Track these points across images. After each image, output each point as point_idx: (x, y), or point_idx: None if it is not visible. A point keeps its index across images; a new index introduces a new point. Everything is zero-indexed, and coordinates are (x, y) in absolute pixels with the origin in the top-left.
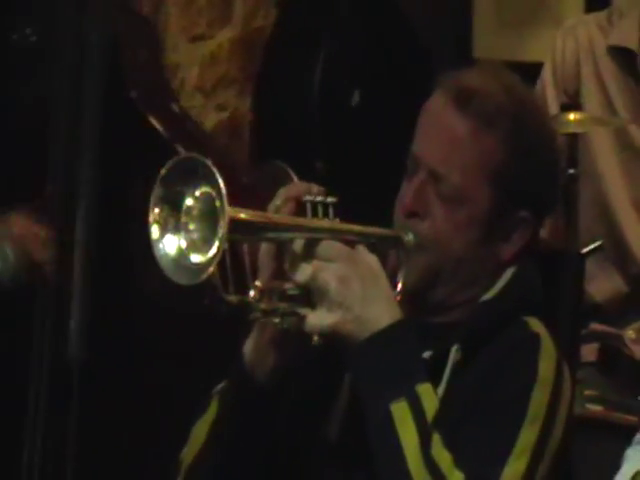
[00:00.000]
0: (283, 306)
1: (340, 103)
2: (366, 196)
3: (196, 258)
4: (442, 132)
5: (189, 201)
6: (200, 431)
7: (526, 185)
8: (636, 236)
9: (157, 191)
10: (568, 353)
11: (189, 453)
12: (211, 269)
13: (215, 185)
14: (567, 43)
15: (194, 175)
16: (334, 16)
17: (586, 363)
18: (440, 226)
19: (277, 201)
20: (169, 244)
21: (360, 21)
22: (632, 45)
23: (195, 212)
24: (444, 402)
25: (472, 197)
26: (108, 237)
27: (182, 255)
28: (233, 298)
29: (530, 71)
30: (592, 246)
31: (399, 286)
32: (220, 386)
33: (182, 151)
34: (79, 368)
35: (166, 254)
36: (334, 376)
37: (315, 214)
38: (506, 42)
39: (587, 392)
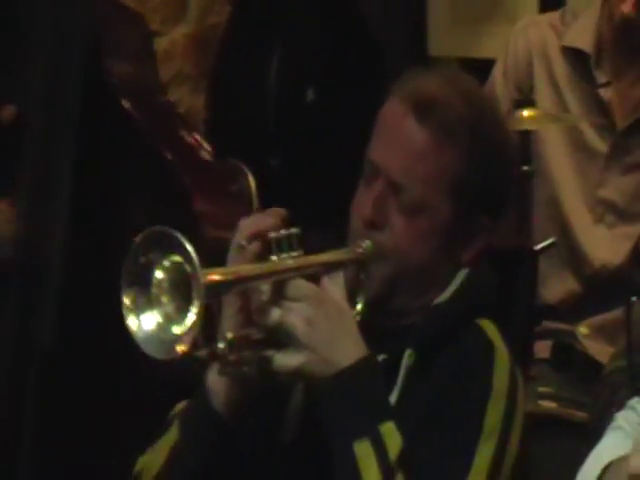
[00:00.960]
0: (251, 353)
1: (295, 100)
2: (321, 193)
3: (177, 329)
4: (402, 143)
5: (159, 274)
6: (160, 453)
7: (485, 192)
8: (589, 236)
9: (125, 273)
10: (522, 350)
11: (148, 471)
12: (193, 337)
13: (185, 252)
14: (519, 43)
15: (160, 246)
16: (289, 13)
17: (540, 360)
18: (400, 236)
19: (241, 239)
20: (146, 323)
21: (315, 18)
22: (585, 47)
23: (166, 284)
24: (398, 407)
25: (432, 207)
26: (82, 220)
27: (162, 330)
28: (202, 352)
29: (485, 68)
30: (545, 243)
31: (359, 306)
32: (181, 406)
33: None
34: (45, 352)
35: (145, 335)
36: (287, 381)
37: (280, 249)
38: (461, 39)
39: (541, 389)
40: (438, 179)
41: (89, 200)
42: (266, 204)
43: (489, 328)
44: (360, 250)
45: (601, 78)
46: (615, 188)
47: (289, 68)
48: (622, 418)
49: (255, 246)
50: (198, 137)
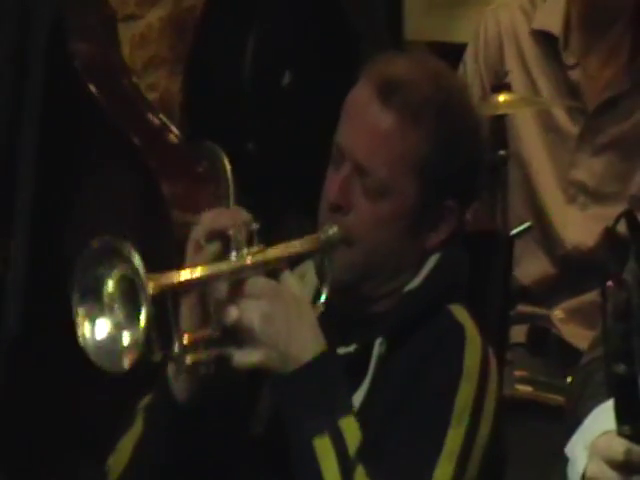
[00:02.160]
0: (208, 353)
1: (271, 84)
2: (297, 176)
3: (127, 339)
4: (367, 125)
5: (110, 285)
6: (126, 446)
7: (452, 175)
8: (561, 217)
9: (76, 288)
10: (497, 334)
11: (115, 467)
12: (141, 344)
13: (129, 263)
14: (489, 27)
15: (108, 259)
16: None
17: (515, 344)
18: (365, 220)
19: (200, 237)
20: (98, 333)
21: (291, 1)
22: (555, 29)
23: (117, 293)
24: (369, 396)
25: (398, 191)
26: (46, 205)
27: (113, 339)
28: (157, 356)
29: (461, 52)
30: (521, 227)
31: (323, 296)
32: (145, 400)
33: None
34: (13, 342)
35: (97, 346)
36: (256, 375)
37: (239, 248)
38: (437, 23)
39: (517, 373)
40: (403, 162)
41: (54, 185)
42: (242, 187)
43: (459, 312)
44: (324, 237)
45: (570, 60)
46: (586, 169)
47: (265, 51)
48: (589, 423)
49: (213, 246)
50: (164, 119)
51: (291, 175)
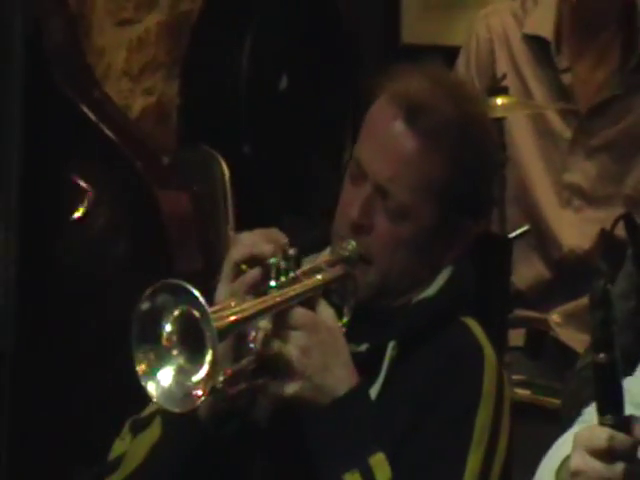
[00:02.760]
0: (246, 384)
1: (268, 87)
2: (293, 179)
3: (193, 379)
4: (391, 148)
5: (168, 327)
6: (141, 447)
7: (470, 196)
8: (557, 220)
9: (135, 332)
10: (495, 338)
11: (126, 466)
12: (211, 384)
13: (193, 300)
14: (480, 33)
15: (166, 299)
16: (261, 0)
17: (513, 348)
18: (385, 240)
19: (239, 256)
20: (163, 380)
21: (287, 5)
22: (546, 33)
23: (175, 336)
24: (381, 398)
25: (418, 213)
26: (36, 220)
27: (178, 384)
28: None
29: (457, 55)
30: (520, 231)
31: (345, 319)
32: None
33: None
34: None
35: (164, 392)
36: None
37: (278, 275)
38: (433, 26)
39: (515, 377)
40: (425, 186)
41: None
42: (238, 190)
43: (476, 328)
44: (345, 253)
45: (562, 64)
46: (580, 172)
47: (262, 55)
48: (589, 412)
49: (255, 273)
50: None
51: (287, 178)
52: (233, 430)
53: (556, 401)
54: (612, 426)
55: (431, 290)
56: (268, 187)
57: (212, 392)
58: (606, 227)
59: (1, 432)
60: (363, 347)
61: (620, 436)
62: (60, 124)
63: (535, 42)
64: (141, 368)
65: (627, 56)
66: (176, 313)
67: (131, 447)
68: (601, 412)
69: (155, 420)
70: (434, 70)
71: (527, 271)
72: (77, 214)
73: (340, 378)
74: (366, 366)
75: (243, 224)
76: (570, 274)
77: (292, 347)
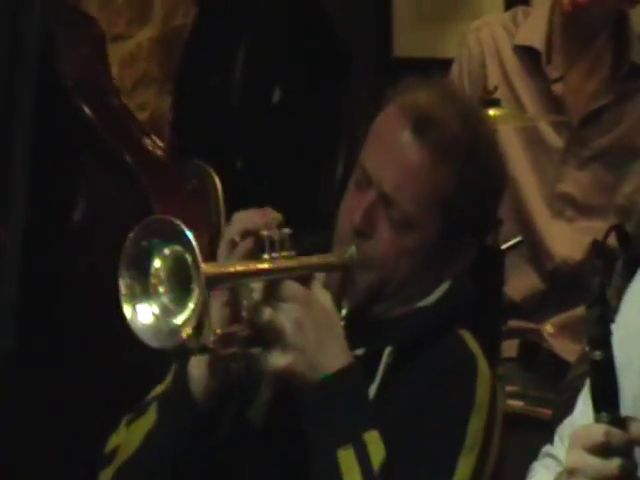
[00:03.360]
0: (239, 350)
1: (261, 101)
2: (287, 193)
3: (176, 320)
4: (398, 158)
5: (157, 263)
6: (136, 435)
7: (474, 213)
8: (549, 231)
9: (124, 258)
10: (489, 349)
11: (122, 452)
12: (193, 327)
13: (186, 243)
14: (471, 46)
15: (160, 235)
16: (254, 14)
17: (507, 359)
18: (386, 249)
19: (234, 234)
20: (143, 314)
21: (280, 18)
22: (537, 44)
23: (163, 273)
24: (377, 402)
25: (421, 225)
26: (40, 224)
27: (159, 321)
28: (194, 343)
29: (449, 68)
30: (512, 242)
31: (343, 311)
32: (159, 390)
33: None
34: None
35: (143, 325)
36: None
37: (272, 248)
38: (426, 39)
39: (508, 388)
40: (429, 198)
41: (46, 204)
42: (231, 205)
43: (470, 340)
44: (347, 255)
45: (553, 74)
46: (573, 182)
47: (255, 69)
48: (540, 465)
49: (248, 242)
50: (154, 137)
51: (280, 192)
52: (230, 414)
53: (550, 412)
54: (608, 423)
55: (430, 300)
56: (262, 201)
57: (203, 350)
58: (598, 237)
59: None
60: (359, 352)
61: (616, 432)
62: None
63: (526, 53)
64: (123, 293)
65: (618, 65)
66: (167, 251)
67: (126, 436)
68: (597, 409)
69: (150, 407)
70: (443, 84)
71: (520, 282)
72: (80, 221)
73: (334, 355)
74: (362, 370)
75: None
76: (563, 285)
77: (285, 318)
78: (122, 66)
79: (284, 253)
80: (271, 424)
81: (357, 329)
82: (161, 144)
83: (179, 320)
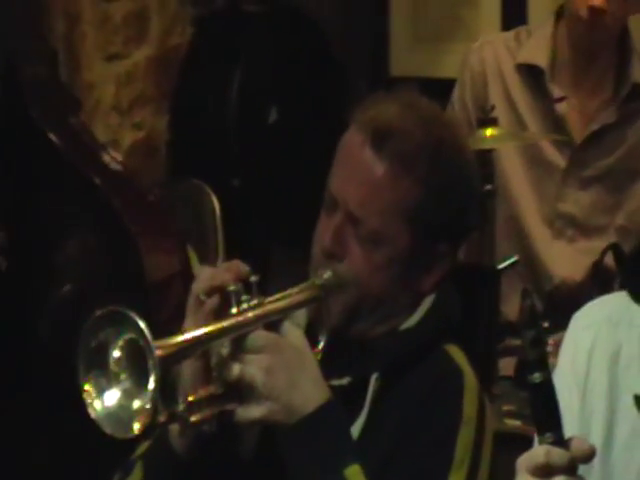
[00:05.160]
0: (212, 410)
1: (257, 120)
2: (283, 212)
3: (136, 403)
4: (359, 174)
5: (115, 353)
6: None
7: (444, 219)
8: (548, 252)
9: (82, 358)
10: (485, 368)
11: None
12: (150, 408)
13: (136, 327)
14: (474, 64)
15: (112, 326)
16: (250, 33)
17: (503, 377)
18: (359, 267)
19: (200, 292)
20: (107, 401)
21: (277, 38)
22: (540, 62)
23: (123, 360)
24: (365, 433)
25: (390, 238)
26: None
27: (121, 407)
28: (163, 417)
29: (447, 88)
30: (508, 262)
31: (321, 343)
32: (142, 448)
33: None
34: None
35: (106, 415)
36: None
37: (239, 302)
38: (422, 59)
39: (505, 407)
40: (396, 210)
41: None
42: (228, 223)
43: (457, 354)
44: (319, 282)
45: (556, 93)
46: (574, 202)
47: (251, 89)
48: None
49: (213, 301)
50: (110, 150)
51: (276, 211)
52: (213, 461)
53: None
54: (552, 443)
55: (413, 320)
56: (258, 220)
57: (173, 419)
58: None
59: None
60: (345, 380)
61: (557, 450)
62: (35, 158)
63: (529, 72)
64: (86, 392)
65: (620, 85)
66: (122, 341)
67: None
68: (540, 431)
69: (136, 466)
70: (406, 96)
71: (518, 302)
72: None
73: (308, 395)
74: (349, 399)
75: (233, 257)
76: (561, 305)
77: (255, 370)
78: (119, 85)
79: (253, 302)
80: (260, 458)
81: (340, 356)
82: (119, 158)
83: (136, 406)
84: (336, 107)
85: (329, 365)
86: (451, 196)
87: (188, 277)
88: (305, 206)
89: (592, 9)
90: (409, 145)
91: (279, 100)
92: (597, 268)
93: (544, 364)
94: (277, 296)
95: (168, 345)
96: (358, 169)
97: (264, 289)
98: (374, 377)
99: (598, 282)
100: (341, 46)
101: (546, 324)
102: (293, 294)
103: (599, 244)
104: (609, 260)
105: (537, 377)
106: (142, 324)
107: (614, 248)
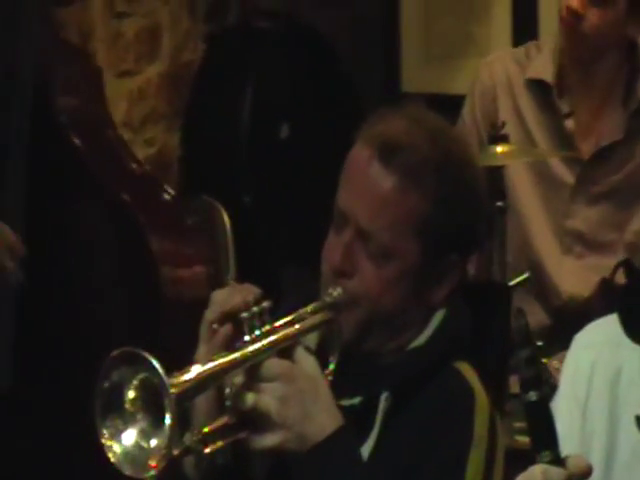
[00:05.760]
0: (226, 440)
1: (269, 136)
2: (295, 229)
3: (153, 442)
4: (367, 190)
5: (131, 393)
6: None
7: (453, 231)
8: (558, 267)
9: (98, 402)
10: (496, 385)
11: None
12: (167, 446)
13: (150, 367)
14: (484, 80)
15: (127, 366)
16: (262, 50)
17: (514, 395)
18: (370, 283)
19: (213, 318)
20: (125, 442)
21: (288, 55)
22: (547, 77)
23: (138, 400)
24: (376, 452)
25: (401, 252)
26: (34, 267)
27: (138, 447)
28: (177, 450)
29: (458, 103)
30: (520, 278)
31: (331, 365)
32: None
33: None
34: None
35: (124, 456)
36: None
37: (252, 327)
38: (434, 75)
39: (516, 424)
40: (405, 224)
41: (40, 247)
42: (239, 240)
43: (467, 372)
44: (330, 300)
45: (564, 108)
46: (582, 218)
47: (263, 105)
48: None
49: (226, 330)
50: (152, 173)
51: (288, 227)
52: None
53: None
54: (549, 462)
55: (423, 337)
56: (270, 237)
57: (187, 452)
58: (607, 274)
59: None
60: (356, 400)
61: (553, 469)
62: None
63: (538, 87)
64: (105, 434)
65: (628, 101)
66: (137, 381)
67: None
68: (537, 450)
69: None
70: (413, 110)
71: (529, 319)
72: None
73: (321, 424)
74: (360, 419)
75: (245, 274)
76: (570, 321)
77: (269, 398)
78: (130, 102)
79: (266, 327)
80: (273, 476)
81: (351, 375)
82: (158, 180)
83: (153, 444)
84: (347, 123)
85: (340, 384)
86: (459, 208)
87: None
88: (316, 223)
89: (568, 9)
90: (417, 159)
91: (291, 116)
92: (607, 285)
93: (539, 382)
94: (289, 318)
95: (182, 382)
96: (367, 184)
97: (275, 307)
98: (384, 396)
99: (608, 299)
100: (352, 63)
101: (540, 343)
102: (304, 315)
103: (608, 261)
104: (620, 276)
105: (533, 395)
106: (156, 364)
107: (626, 264)
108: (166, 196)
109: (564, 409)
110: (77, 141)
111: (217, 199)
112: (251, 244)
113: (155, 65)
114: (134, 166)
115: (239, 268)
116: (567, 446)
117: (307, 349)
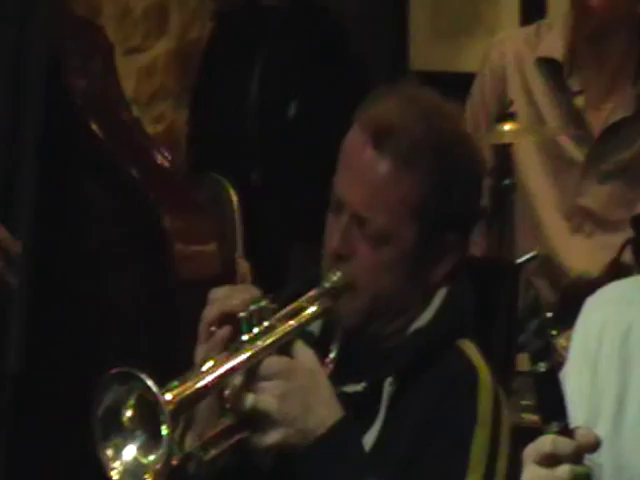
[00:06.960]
0: (228, 443)
1: (277, 114)
2: (303, 207)
3: (151, 457)
4: (362, 174)
5: (128, 412)
6: None
7: (450, 211)
8: (566, 246)
9: (97, 424)
10: (503, 363)
11: None
12: (165, 459)
13: (144, 386)
14: (494, 58)
15: (122, 385)
16: (270, 27)
17: (521, 372)
18: (368, 266)
19: (212, 317)
20: (125, 459)
21: (296, 33)
22: (557, 55)
23: (136, 417)
24: (382, 436)
25: (398, 235)
26: (47, 247)
27: (138, 462)
28: (176, 459)
29: (466, 81)
30: (528, 256)
31: (332, 354)
32: None
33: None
34: (15, 382)
35: (126, 473)
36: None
37: (250, 326)
38: (442, 53)
39: (523, 402)
40: (400, 207)
41: (53, 224)
42: (247, 218)
43: (471, 350)
44: (329, 284)
45: (574, 86)
46: (593, 196)
47: (271, 83)
48: None
49: (224, 331)
50: (163, 150)
51: (296, 205)
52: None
53: None
54: (557, 433)
55: (425, 318)
56: (278, 215)
57: (188, 459)
58: (615, 253)
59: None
60: (360, 386)
61: (562, 440)
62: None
63: (548, 65)
64: (106, 456)
65: (638, 77)
66: (133, 399)
67: None
68: (545, 420)
69: None
70: (406, 90)
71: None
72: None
73: (322, 416)
74: (365, 405)
75: (252, 252)
76: (577, 299)
77: (269, 397)
78: (139, 79)
79: (264, 324)
80: (278, 467)
81: (354, 361)
82: (170, 157)
83: (155, 456)
84: (355, 101)
85: (344, 371)
86: (455, 187)
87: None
88: (324, 200)
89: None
90: (410, 141)
91: (299, 95)
92: (615, 264)
93: (548, 353)
94: (288, 309)
95: (178, 395)
96: (361, 169)
97: (280, 286)
98: (388, 381)
99: (616, 278)
100: (361, 40)
101: (549, 314)
102: (304, 304)
103: (617, 239)
104: (627, 256)
105: (542, 366)
106: (150, 382)
107: (633, 242)
108: (179, 175)
109: (574, 371)
110: (91, 122)
111: (225, 176)
112: (259, 221)
113: (163, 42)
114: (149, 147)
115: (246, 245)
116: (576, 408)
117: (308, 338)
